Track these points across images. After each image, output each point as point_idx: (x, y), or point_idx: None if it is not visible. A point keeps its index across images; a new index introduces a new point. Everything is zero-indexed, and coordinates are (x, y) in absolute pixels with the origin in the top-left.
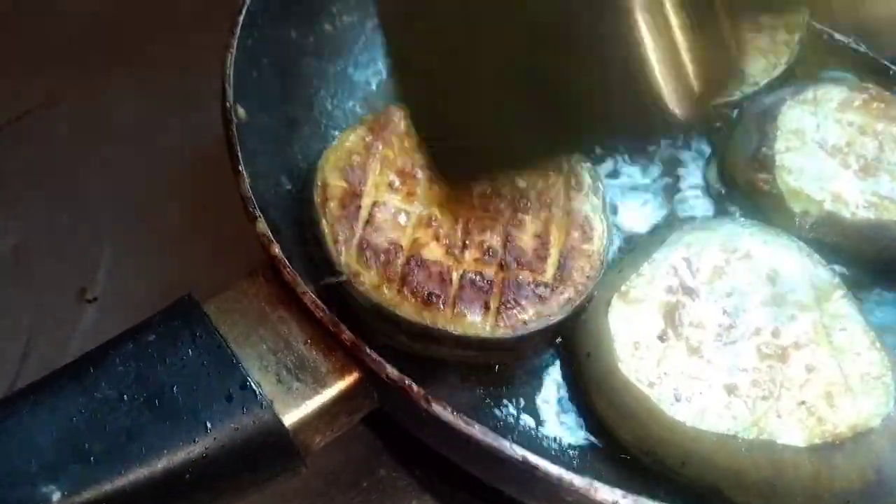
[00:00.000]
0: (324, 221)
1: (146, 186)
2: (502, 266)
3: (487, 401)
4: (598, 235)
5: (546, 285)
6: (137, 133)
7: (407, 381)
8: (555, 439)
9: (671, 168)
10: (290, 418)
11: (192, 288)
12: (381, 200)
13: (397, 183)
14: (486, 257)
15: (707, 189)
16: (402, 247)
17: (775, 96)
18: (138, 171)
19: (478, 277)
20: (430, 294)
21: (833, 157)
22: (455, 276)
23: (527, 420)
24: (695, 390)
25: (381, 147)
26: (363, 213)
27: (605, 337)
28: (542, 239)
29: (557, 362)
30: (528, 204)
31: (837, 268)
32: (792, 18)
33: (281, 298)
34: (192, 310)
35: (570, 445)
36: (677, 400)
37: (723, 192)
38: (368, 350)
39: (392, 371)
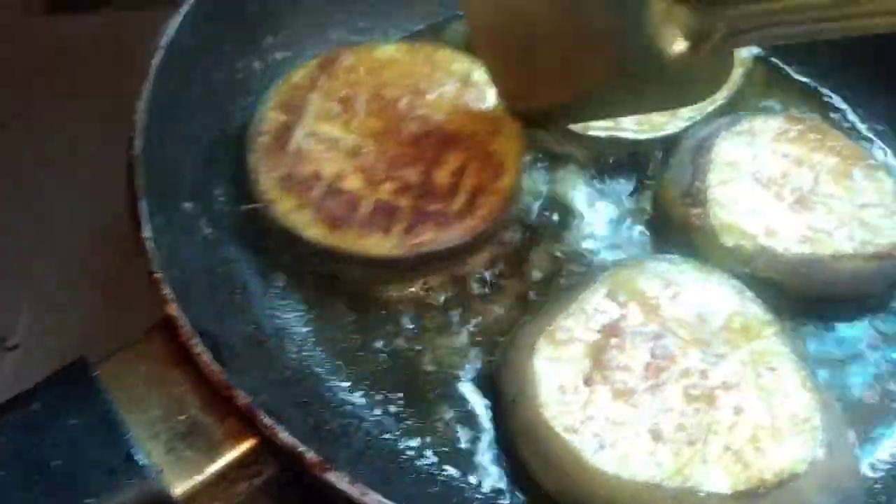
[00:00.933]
0: (251, 154)
1: (76, 229)
2: (415, 198)
3: (409, 453)
4: (511, 175)
5: (452, 214)
6: (70, 173)
7: (300, 448)
8: (479, 489)
9: (605, 204)
10: (180, 489)
11: (104, 342)
12: (315, 130)
13: (337, 110)
14: (402, 190)
15: (642, 225)
16: (321, 177)
17: (711, 128)
18: (69, 214)
19: (387, 205)
20: (337, 218)
21: (768, 189)
22: (365, 203)
23: (450, 471)
24: (619, 436)
25: (326, 80)
26: (292, 145)
27: (529, 380)
28: (457, 176)
29: (484, 408)
30: (454, 145)
31: (772, 303)
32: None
33: (178, 359)
34: (81, 374)
35: (495, 495)
36: (601, 447)
37: (657, 228)
38: (262, 415)
39: (286, 437)
